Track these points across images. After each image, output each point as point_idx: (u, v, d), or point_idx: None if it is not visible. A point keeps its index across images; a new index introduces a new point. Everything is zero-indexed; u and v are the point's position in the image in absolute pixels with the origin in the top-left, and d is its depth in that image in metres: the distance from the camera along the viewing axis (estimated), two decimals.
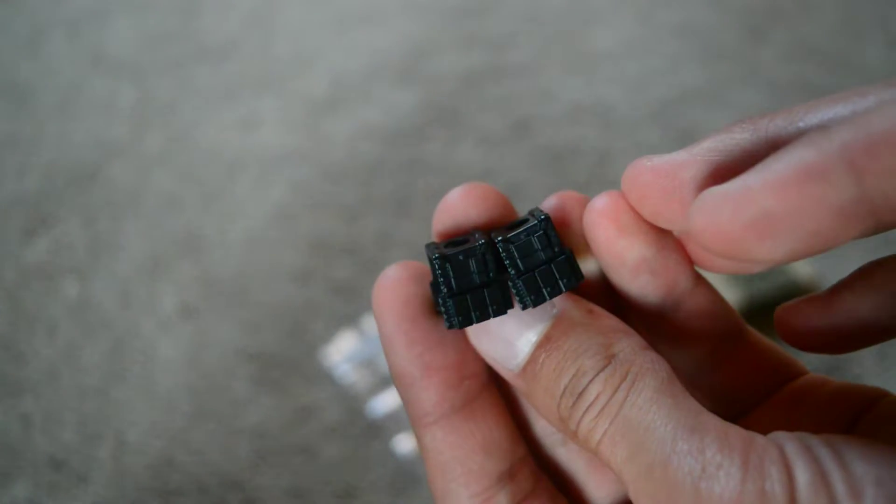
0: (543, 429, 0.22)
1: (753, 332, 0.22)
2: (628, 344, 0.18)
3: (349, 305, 0.63)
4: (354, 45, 0.88)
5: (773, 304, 0.60)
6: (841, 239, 0.15)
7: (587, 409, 0.18)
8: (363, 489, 0.53)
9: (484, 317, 0.19)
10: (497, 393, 0.21)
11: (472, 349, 0.21)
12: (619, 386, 0.18)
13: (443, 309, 0.19)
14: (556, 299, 0.19)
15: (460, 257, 0.19)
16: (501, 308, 0.19)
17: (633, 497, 0.17)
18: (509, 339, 0.19)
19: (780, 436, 0.16)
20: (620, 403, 0.17)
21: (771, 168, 0.15)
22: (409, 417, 0.21)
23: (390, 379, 0.58)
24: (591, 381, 0.18)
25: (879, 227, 0.15)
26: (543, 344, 0.19)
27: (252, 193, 0.72)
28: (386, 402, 0.57)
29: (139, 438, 0.55)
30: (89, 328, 0.62)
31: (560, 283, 0.19)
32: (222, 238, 0.68)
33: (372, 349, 0.60)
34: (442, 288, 0.19)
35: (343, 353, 0.60)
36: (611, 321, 0.19)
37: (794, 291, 0.60)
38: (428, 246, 0.20)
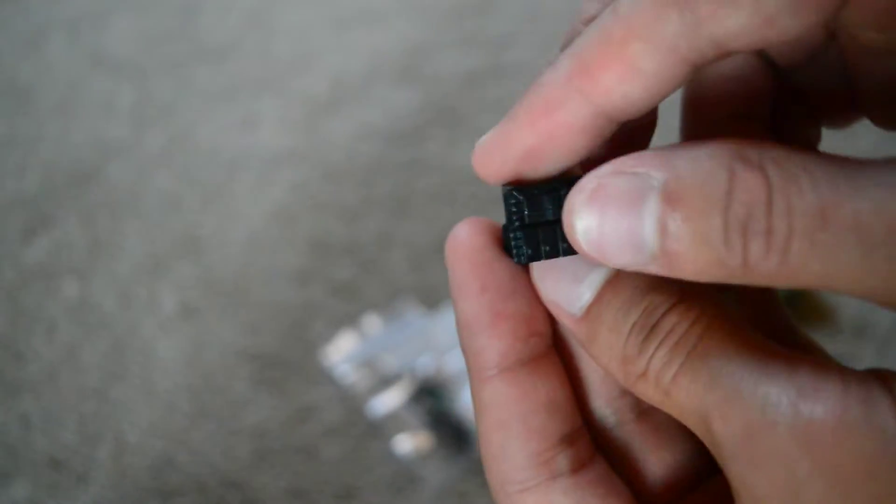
0: (600, 409, 0.21)
1: None
2: (695, 285, 0.17)
3: (349, 305, 0.63)
4: (354, 45, 0.88)
5: None
6: (606, 132, 0.17)
7: (661, 342, 0.17)
8: (363, 489, 0.53)
9: (553, 253, 0.19)
10: (559, 360, 0.21)
11: (541, 306, 0.20)
12: (696, 318, 0.17)
13: (513, 242, 0.19)
14: None
15: (534, 192, 0.19)
16: (571, 248, 0.18)
17: (716, 428, 0.16)
18: (575, 278, 0.19)
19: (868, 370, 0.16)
20: (699, 334, 0.17)
21: (522, 104, 0.17)
22: (469, 371, 0.20)
23: (390, 379, 0.58)
24: (664, 314, 0.17)
25: (611, 126, 0.17)
26: (611, 282, 0.18)
27: (252, 193, 0.72)
28: (386, 402, 0.57)
29: (139, 438, 0.55)
30: (89, 328, 0.62)
31: None
32: (222, 238, 0.68)
33: (372, 349, 0.60)
34: (514, 220, 0.19)
35: (343, 353, 0.60)
36: None
37: (795, 291, 0.60)
38: (504, 186, 0.20)
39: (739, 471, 0.16)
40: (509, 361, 0.20)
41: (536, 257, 0.19)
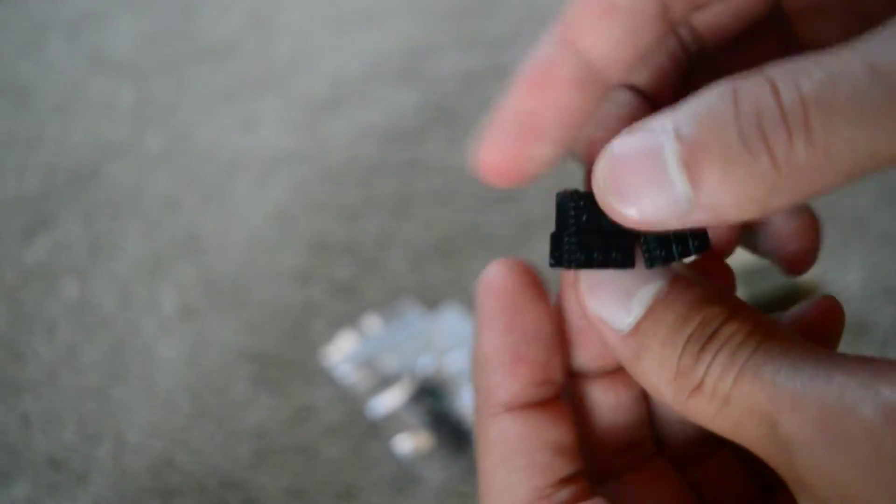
0: (602, 461, 0.22)
1: None
2: (744, 305, 0.18)
3: (349, 305, 0.63)
4: (354, 45, 0.88)
5: (773, 304, 0.60)
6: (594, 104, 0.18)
7: (719, 349, 0.17)
8: (363, 489, 0.53)
9: (606, 263, 0.18)
10: (569, 407, 0.21)
11: (559, 357, 0.20)
12: (753, 327, 0.17)
13: (565, 247, 0.19)
14: (675, 264, 0.19)
15: (592, 197, 0.18)
16: (625, 261, 0.18)
17: (786, 421, 0.16)
18: (625, 293, 0.19)
19: None
20: (758, 340, 0.17)
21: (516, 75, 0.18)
22: (478, 405, 0.20)
23: (390, 379, 0.58)
24: (722, 324, 0.17)
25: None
26: (663, 298, 0.18)
27: (252, 193, 0.72)
28: (386, 402, 0.57)
29: (139, 438, 0.55)
30: (89, 328, 0.62)
31: (691, 244, 0.18)
32: (222, 238, 0.68)
33: (372, 349, 0.60)
34: (571, 224, 0.19)
35: (343, 353, 0.60)
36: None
37: (795, 291, 0.60)
38: (559, 192, 0.20)
39: (815, 459, 0.16)
40: (520, 402, 0.20)
41: (588, 264, 0.19)
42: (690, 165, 0.15)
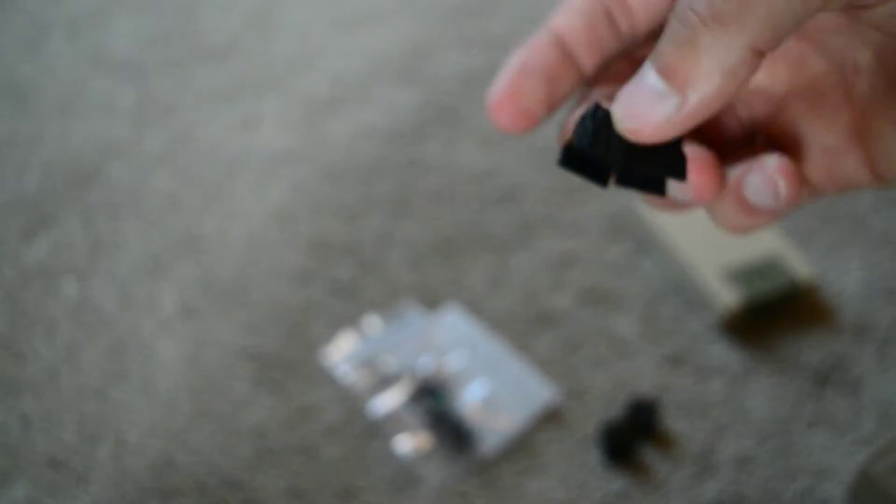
0: None
1: None
2: None
3: (349, 305, 0.63)
4: (354, 45, 0.88)
5: (773, 304, 0.60)
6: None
7: None
8: (363, 489, 0.53)
9: (588, 176, 0.23)
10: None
11: None
12: None
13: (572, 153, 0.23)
14: None
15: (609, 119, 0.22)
16: (601, 180, 0.23)
17: None
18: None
19: None
20: None
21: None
22: None
23: (390, 379, 0.58)
24: None
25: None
26: None
27: (252, 193, 0.72)
28: (386, 402, 0.57)
29: (139, 438, 0.55)
30: (89, 328, 0.62)
31: (666, 171, 0.24)
32: (222, 238, 0.68)
33: (372, 349, 0.60)
34: (587, 138, 0.22)
35: (343, 353, 0.60)
36: None
37: (795, 291, 0.60)
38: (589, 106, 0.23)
39: None
40: None
41: (579, 171, 0.23)
42: (667, 75, 0.20)
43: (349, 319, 0.62)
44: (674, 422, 0.56)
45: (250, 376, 0.59)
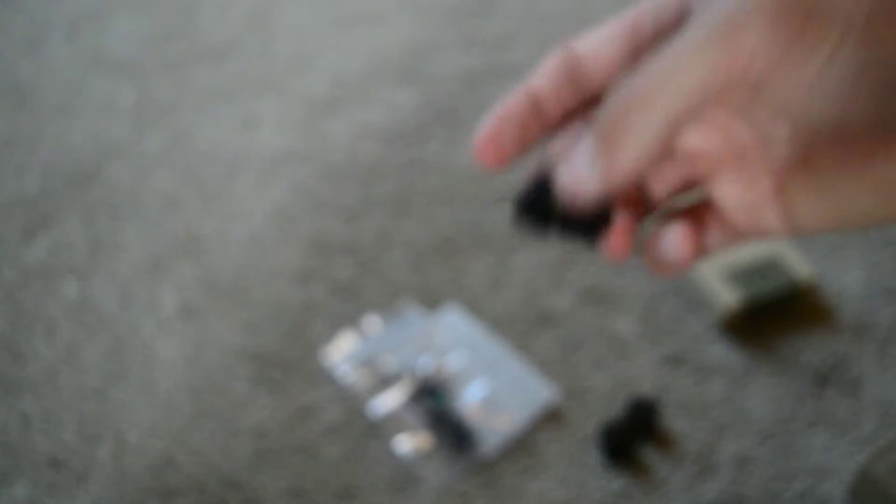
0: None
1: None
2: None
3: (349, 305, 0.63)
4: (354, 45, 0.88)
5: (773, 304, 0.60)
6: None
7: None
8: (363, 489, 0.53)
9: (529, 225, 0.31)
10: None
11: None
12: None
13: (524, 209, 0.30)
14: None
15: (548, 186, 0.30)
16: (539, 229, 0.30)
17: None
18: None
19: None
20: None
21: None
22: None
23: (390, 379, 0.58)
24: None
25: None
26: None
27: (252, 193, 0.72)
28: (386, 402, 0.57)
29: (139, 438, 0.55)
30: (89, 328, 0.62)
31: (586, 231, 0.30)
32: (222, 238, 0.68)
33: (372, 349, 0.60)
34: (532, 195, 0.30)
35: (343, 353, 0.60)
36: None
37: (795, 291, 0.60)
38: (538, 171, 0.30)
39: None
40: None
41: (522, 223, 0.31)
42: (600, 150, 0.26)
43: (349, 319, 0.62)
44: (674, 422, 0.56)
45: (250, 376, 0.59)
